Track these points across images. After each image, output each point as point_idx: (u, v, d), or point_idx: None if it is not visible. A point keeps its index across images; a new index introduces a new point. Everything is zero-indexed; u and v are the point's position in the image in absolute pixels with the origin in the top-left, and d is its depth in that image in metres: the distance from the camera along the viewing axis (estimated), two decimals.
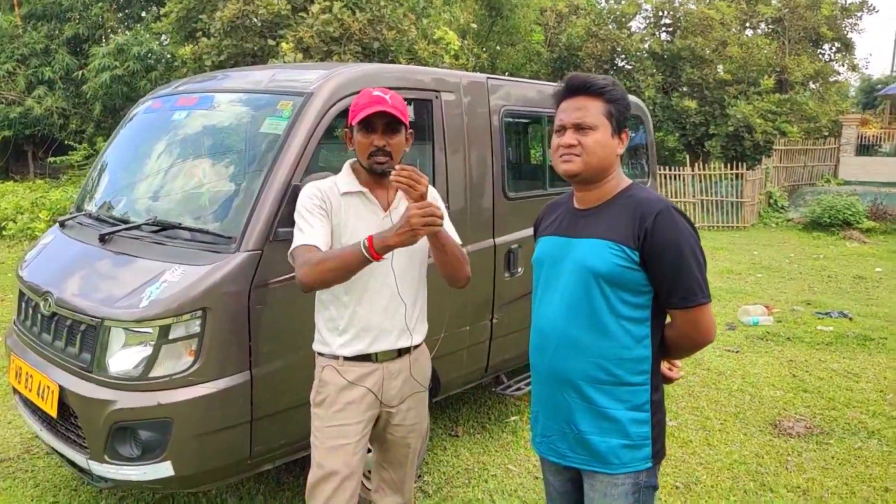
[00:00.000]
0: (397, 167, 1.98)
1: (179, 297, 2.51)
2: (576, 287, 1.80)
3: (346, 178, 2.17)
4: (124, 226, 2.92)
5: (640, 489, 1.82)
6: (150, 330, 2.51)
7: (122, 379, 2.52)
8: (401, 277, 2.16)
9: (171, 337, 2.50)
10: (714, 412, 4.42)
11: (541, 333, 1.90)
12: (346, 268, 1.96)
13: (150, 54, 14.66)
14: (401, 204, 2.18)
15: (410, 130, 2.19)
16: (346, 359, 2.14)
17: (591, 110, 1.78)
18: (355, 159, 2.21)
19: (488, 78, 3.72)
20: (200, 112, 3.28)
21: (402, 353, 2.22)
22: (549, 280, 1.89)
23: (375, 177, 2.15)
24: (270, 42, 11.92)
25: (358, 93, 2.87)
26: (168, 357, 2.51)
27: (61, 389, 2.66)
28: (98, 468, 2.57)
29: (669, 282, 1.74)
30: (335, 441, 2.12)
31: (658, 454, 1.85)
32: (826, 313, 7.03)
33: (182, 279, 2.56)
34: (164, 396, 2.48)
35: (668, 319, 1.86)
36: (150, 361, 2.50)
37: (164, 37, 15.46)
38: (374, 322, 2.15)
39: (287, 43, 11.33)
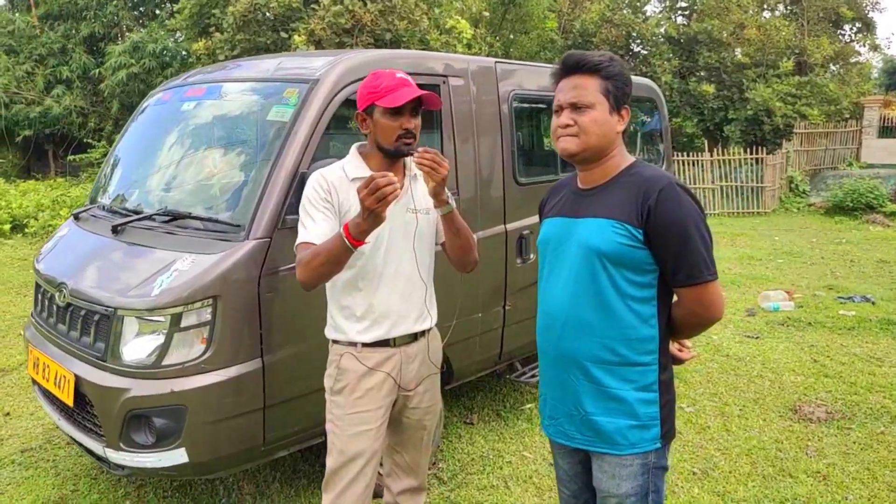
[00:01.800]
0: (420, 149, 1.97)
1: (190, 285, 2.52)
2: (581, 267, 1.77)
3: (354, 163, 2.15)
4: (136, 216, 2.94)
5: (650, 469, 1.80)
6: (162, 318, 2.53)
7: (135, 367, 2.54)
8: (421, 259, 2.17)
9: (182, 325, 2.52)
10: (733, 398, 4.36)
11: (547, 315, 1.88)
12: (334, 261, 1.94)
13: (165, 51, 14.78)
14: (412, 187, 2.17)
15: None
16: (364, 345, 2.13)
17: (588, 88, 1.75)
18: (362, 143, 2.20)
19: (497, 62, 3.68)
20: (209, 102, 3.28)
21: (417, 336, 2.22)
22: (554, 261, 1.87)
23: (388, 161, 2.13)
24: (283, 35, 11.95)
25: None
26: (180, 345, 2.53)
27: (77, 379, 2.69)
28: (114, 456, 2.60)
29: (674, 259, 1.70)
30: (357, 428, 2.12)
31: (667, 434, 1.82)
32: (848, 298, 6.90)
33: (192, 268, 2.57)
34: (177, 384, 2.49)
35: (675, 298, 1.83)
36: (163, 349, 2.51)
37: (178, 33, 15.57)
38: (393, 308, 2.14)
39: (299, 35, 11.35)
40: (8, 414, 4.15)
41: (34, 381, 3.15)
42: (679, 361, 1.96)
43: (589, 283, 1.76)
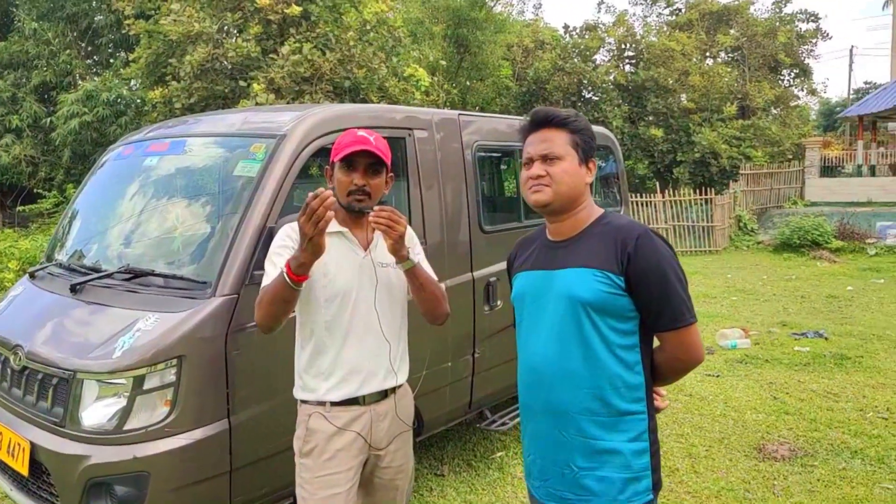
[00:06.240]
0: (376, 208, 1.98)
1: (153, 345, 2.45)
2: (564, 318, 1.76)
3: None
4: (96, 275, 2.87)
5: None
6: (123, 381, 2.44)
7: (96, 433, 2.44)
8: (384, 316, 2.15)
9: (145, 387, 2.44)
10: (699, 438, 4.41)
11: (532, 370, 1.85)
12: (277, 299, 1.92)
13: (119, 99, 14.60)
14: (380, 243, 2.17)
15: (391, 174, 2.20)
16: (333, 404, 2.09)
17: (557, 141, 1.80)
18: None
19: (460, 114, 3.76)
20: (172, 157, 3.25)
21: (388, 393, 2.19)
22: (533, 315, 1.86)
23: (353, 216, 2.14)
24: (241, 83, 11.96)
25: (333, 132, 2.93)
26: (143, 408, 2.44)
27: (33, 446, 2.57)
28: None
29: (657, 304, 1.72)
30: (326, 491, 2.05)
31: (657, 484, 1.80)
32: (802, 334, 7.12)
33: (156, 327, 2.51)
34: (139, 449, 2.40)
35: (657, 344, 1.84)
36: (125, 413, 2.42)
37: (133, 82, 15.43)
38: (362, 364, 2.11)
39: (258, 84, 11.38)
40: None
41: None
42: (656, 410, 1.96)
43: (574, 333, 1.75)
